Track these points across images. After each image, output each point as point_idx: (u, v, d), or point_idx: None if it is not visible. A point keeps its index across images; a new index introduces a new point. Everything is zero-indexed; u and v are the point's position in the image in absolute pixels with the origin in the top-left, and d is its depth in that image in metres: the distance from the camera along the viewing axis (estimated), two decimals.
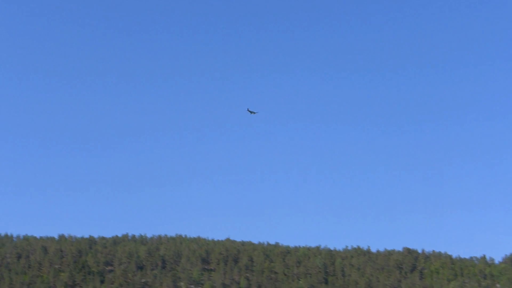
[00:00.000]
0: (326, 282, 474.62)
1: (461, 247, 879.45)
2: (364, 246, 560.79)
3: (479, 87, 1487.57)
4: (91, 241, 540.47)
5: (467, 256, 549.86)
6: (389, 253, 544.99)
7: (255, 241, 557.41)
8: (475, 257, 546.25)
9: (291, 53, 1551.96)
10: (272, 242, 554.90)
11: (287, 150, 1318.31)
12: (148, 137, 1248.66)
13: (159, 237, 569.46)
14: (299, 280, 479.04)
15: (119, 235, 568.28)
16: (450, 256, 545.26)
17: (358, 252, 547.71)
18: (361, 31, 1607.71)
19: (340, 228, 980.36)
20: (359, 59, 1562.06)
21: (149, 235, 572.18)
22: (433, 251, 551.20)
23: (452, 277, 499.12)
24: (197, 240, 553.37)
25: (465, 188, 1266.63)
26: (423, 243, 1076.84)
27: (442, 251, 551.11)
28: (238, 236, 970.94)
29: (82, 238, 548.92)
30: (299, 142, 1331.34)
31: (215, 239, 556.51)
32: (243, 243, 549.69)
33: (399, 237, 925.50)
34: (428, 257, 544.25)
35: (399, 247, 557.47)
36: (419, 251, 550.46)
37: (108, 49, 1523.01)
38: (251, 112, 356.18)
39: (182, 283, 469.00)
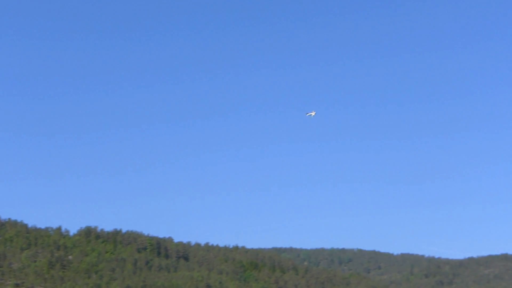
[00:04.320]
0: None
1: (38, 217, 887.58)
2: None
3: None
4: None
5: (43, 226, 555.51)
6: None
7: None
8: (51, 227, 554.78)
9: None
10: None
11: None
12: None
13: None
14: None
15: None
16: (25, 225, 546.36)
17: None
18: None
19: None
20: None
21: None
22: (9, 219, 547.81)
23: (26, 246, 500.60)
24: None
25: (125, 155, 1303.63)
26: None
27: (18, 220, 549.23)
28: None
29: None
30: None
31: None
32: None
33: None
34: (3, 224, 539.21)
35: None
36: None
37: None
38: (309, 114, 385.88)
39: None
